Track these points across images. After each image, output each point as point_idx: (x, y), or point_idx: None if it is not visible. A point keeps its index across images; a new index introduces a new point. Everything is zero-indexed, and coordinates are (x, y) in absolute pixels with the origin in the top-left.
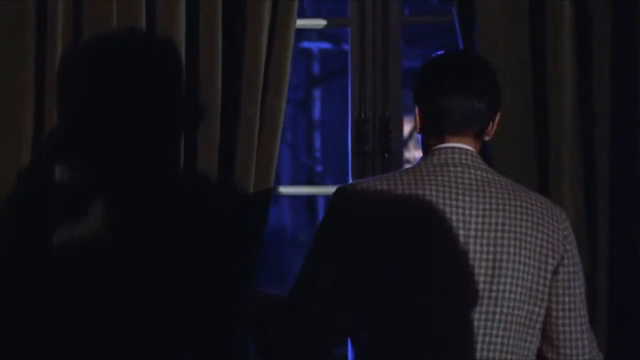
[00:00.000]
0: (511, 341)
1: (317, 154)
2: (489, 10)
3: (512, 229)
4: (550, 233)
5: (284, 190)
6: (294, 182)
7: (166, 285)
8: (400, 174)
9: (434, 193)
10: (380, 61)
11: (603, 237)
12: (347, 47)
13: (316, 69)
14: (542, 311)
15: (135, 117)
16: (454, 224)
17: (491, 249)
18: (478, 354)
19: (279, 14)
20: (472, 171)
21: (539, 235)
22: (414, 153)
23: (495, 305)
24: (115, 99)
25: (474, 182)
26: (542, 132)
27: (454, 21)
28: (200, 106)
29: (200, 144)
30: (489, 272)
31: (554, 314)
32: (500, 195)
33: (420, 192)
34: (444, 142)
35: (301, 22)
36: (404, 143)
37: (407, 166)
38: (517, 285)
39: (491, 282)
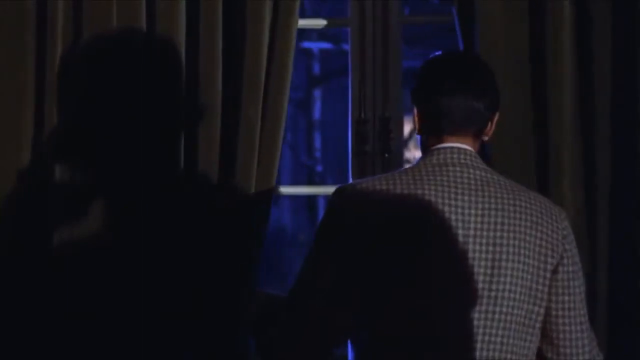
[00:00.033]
0: (511, 340)
1: (317, 154)
2: (489, 10)
3: (512, 228)
4: (550, 232)
5: (284, 190)
6: (294, 182)
7: (166, 285)
8: (399, 174)
9: (433, 193)
10: (380, 61)
11: (603, 237)
12: (347, 47)
13: (316, 69)
14: (542, 310)
15: (135, 117)
16: (453, 223)
17: (490, 248)
18: (478, 354)
19: (280, 14)
20: (471, 171)
21: (538, 234)
22: (414, 153)
23: (495, 305)
24: (115, 99)
25: (473, 182)
26: (542, 132)
27: (454, 21)
28: (200, 106)
29: (200, 144)
30: (488, 271)
31: (554, 313)
32: (499, 195)
33: (420, 191)
34: (443, 142)
35: (301, 22)
36: (404, 143)
37: (407, 166)
38: (516, 284)
39: (490, 282)
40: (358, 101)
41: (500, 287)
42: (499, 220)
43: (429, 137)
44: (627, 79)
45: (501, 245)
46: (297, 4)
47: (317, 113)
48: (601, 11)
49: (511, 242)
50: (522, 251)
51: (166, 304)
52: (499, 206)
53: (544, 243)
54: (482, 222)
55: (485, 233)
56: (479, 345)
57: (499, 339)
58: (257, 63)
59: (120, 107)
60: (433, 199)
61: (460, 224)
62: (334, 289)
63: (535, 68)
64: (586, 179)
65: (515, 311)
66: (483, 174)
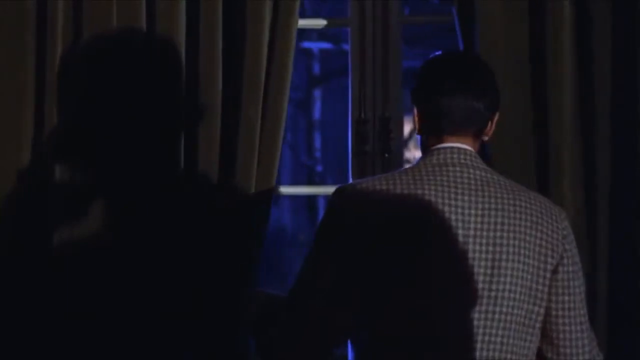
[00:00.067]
0: (511, 340)
1: (318, 154)
2: (489, 10)
3: (511, 228)
4: (550, 232)
5: (285, 190)
6: (294, 182)
7: (166, 285)
8: (399, 174)
9: (432, 193)
10: (380, 61)
11: (603, 237)
12: (347, 47)
13: (316, 69)
14: (542, 310)
15: (135, 117)
16: (453, 223)
17: (490, 248)
18: (477, 354)
19: (280, 14)
20: (471, 171)
21: (538, 234)
22: (414, 153)
23: (495, 305)
24: (115, 99)
25: (472, 182)
26: (542, 132)
27: (454, 21)
28: (200, 106)
29: (200, 144)
30: (488, 271)
31: (554, 313)
32: (499, 195)
33: (419, 191)
34: (443, 142)
35: (302, 22)
36: (404, 143)
37: (407, 166)
38: (516, 284)
39: (490, 282)
40: (358, 101)
41: (500, 287)
42: (499, 220)
43: (429, 137)
44: (627, 79)
45: (501, 245)
46: (297, 4)
47: (317, 113)
48: (601, 11)
49: (511, 242)
50: (522, 251)
51: (166, 304)
52: (499, 206)
53: (544, 243)
54: (482, 222)
55: (485, 233)
56: (479, 345)
57: (499, 339)
58: (257, 63)
59: (120, 107)
60: (433, 199)
61: (460, 224)
62: (334, 289)
63: (535, 68)
64: (586, 179)
65: (515, 311)
66: (483, 174)
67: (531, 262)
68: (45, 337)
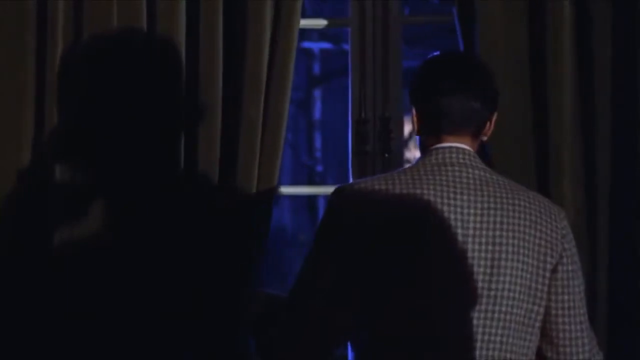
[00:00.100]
0: (510, 340)
1: (318, 154)
2: (489, 10)
3: (511, 227)
4: (549, 232)
5: (285, 190)
6: (294, 182)
7: (166, 285)
8: (398, 174)
9: (431, 192)
10: (380, 61)
11: (603, 237)
12: (347, 47)
13: (317, 69)
14: (541, 310)
15: (135, 117)
16: (452, 223)
17: (489, 247)
18: (477, 353)
19: (282, 14)
20: (470, 170)
21: (538, 233)
22: (414, 153)
23: (494, 304)
24: (116, 98)
25: (471, 182)
26: (542, 132)
27: (454, 21)
28: (200, 106)
29: (200, 144)
30: (488, 270)
31: (554, 312)
32: (498, 194)
33: (419, 191)
34: (441, 141)
35: (302, 22)
36: (404, 143)
37: (407, 166)
38: (515, 283)
39: (490, 281)
40: (358, 101)
41: (500, 286)
42: (498, 219)
43: (428, 137)
44: (627, 79)
45: (500, 244)
46: (300, 4)
47: (317, 113)
48: (601, 11)
49: (510, 241)
50: (521, 250)
51: (166, 304)
52: (498, 205)
53: (543, 242)
54: (481, 222)
55: (484, 232)
56: (478, 345)
57: (498, 338)
58: (258, 63)
59: (121, 107)
60: (432, 198)
61: (459, 224)
62: (333, 289)
63: (535, 68)
64: (586, 179)
65: (515, 310)
66: (482, 173)
67: (530, 261)
68: (45, 337)
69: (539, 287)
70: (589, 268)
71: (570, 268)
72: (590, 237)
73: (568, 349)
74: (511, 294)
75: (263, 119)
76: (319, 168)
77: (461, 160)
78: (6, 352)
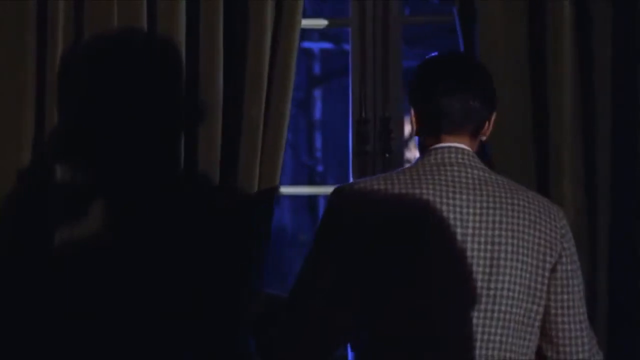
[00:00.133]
0: (510, 339)
1: (318, 154)
2: (489, 10)
3: (510, 227)
4: (548, 231)
5: (285, 190)
6: (294, 182)
7: (166, 285)
8: (397, 174)
9: (430, 192)
10: (380, 61)
11: (603, 237)
12: (347, 47)
13: (317, 69)
14: (541, 309)
15: (135, 117)
16: (452, 222)
17: (489, 247)
18: (477, 352)
19: (283, 14)
20: (469, 170)
21: (537, 233)
22: (414, 153)
23: (494, 304)
24: (116, 99)
25: (470, 181)
26: (542, 132)
27: (455, 21)
28: (200, 106)
29: (200, 144)
30: (487, 270)
31: (553, 312)
32: (497, 194)
33: (417, 191)
34: (441, 141)
35: (303, 22)
36: (404, 143)
37: (407, 166)
38: (515, 283)
39: (489, 280)
40: (359, 101)
41: (499, 285)
42: (497, 219)
43: (427, 137)
44: (627, 79)
45: (499, 244)
46: (301, 4)
47: (317, 113)
48: (601, 11)
49: (509, 240)
50: (520, 250)
51: (166, 304)
52: (497, 205)
53: (542, 242)
54: (480, 221)
55: (483, 232)
56: (478, 344)
57: (498, 338)
58: (259, 63)
59: (121, 107)
60: (431, 198)
61: (458, 223)
62: (334, 289)
63: (535, 68)
64: (586, 179)
65: (514, 310)
66: (481, 173)
67: (529, 260)
68: (45, 337)
69: (538, 286)
70: (589, 268)
71: (569, 267)
72: (590, 237)
73: (568, 349)
74: (510, 294)
75: (264, 119)
76: (319, 168)
77: (460, 160)
78: (6, 352)
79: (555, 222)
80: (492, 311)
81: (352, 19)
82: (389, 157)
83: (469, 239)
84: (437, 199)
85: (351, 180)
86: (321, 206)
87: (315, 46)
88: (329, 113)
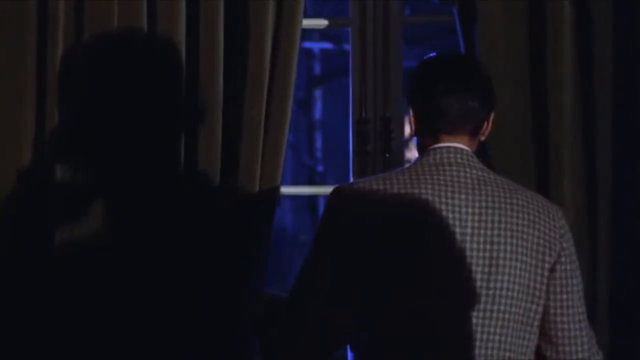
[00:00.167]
0: (509, 339)
1: (318, 154)
2: (489, 10)
3: (508, 226)
4: (547, 231)
5: (286, 190)
6: (295, 182)
7: (166, 285)
8: (396, 174)
9: (429, 192)
10: (381, 61)
11: (603, 237)
12: (348, 47)
13: (317, 69)
14: (540, 309)
15: (135, 117)
16: (450, 222)
17: (488, 246)
18: (476, 352)
19: (284, 14)
20: (468, 170)
21: (536, 232)
22: (415, 153)
23: (493, 303)
24: (116, 99)
25: (469, 181)
26: (542, 132)
27: (455, 21)
28: (200, 106)
29: (200, 144)
30: (486, 269)
31: (552, 311)
32: (496, 194)
33: (416, 191)
34: (439, 142)
35: (303, 22)
36: (405, 143)
37: (406, 166)
38: (514, 282)
39: (488, 280)
40: (359, 101)
41: (498, 285)
42: (496, 218)
43: (426, 137)
44: (627, 79)
45: (498, 243)
46: (302, 4)
47: (318, 113)
48: (601, 11)
49: (508, 240)
50: (519, 249)
51: (166, 304)
52: (496, 205)
53: (541, 241)
54: (479, 221)
55: (482, 231)
56: (477, 344)
57: (497, 337)
58: (260, 63)
59: (121, 107)
60: (430, 197)
61: (457, 222)
62: (333, 289)
63: (535, 68)
64: (586, 179)
65: (513, 309)
66: (480, 173)
67: (528, 260)
68: (45, 337)
69: (538, 286)
70: (589, 268)
71: (568, 267)
72: (591, 237)
73: (567, 348)
74: (509, 293)
75: (266, 119)
76: (320, 168)
77: (459, 160)
78: (6, 352)
79: (554, 221)
80: (492, 311)
81: (352, 19)
82: (390, 157)
83: (468, 238)
84: (436, 199)
85: (351, 180)
86: (321, 206)
87: (316, 46)
88: (329, 113)
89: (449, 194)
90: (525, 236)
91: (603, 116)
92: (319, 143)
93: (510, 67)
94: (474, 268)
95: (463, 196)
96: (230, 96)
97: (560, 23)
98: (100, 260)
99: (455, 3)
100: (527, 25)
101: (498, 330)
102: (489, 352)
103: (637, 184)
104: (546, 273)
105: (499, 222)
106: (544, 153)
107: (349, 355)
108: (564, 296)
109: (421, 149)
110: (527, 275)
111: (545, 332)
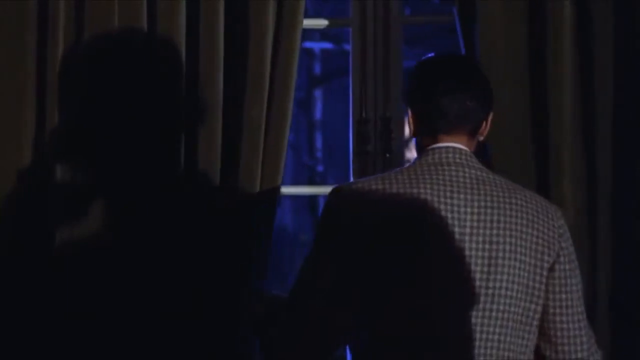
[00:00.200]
0: (508, 338)
1: (319, 154)
2: (489, 10)
3: (507, 226)
4: (546, 231)
5: (286, 190)
6: (295, 182)
7: (166, 285)
8: (395, 174)
9: (428, 192)
10: (381, 61)
11: (604, 237)
12: (348, 47)
13: (317, 68)
14: (539, 308)
15: (135, 117)
16: (449, 222)
17: (487, 246)
18: (476, 351)
19: (285, 14)
20: (467, 170)
21: (534, 232)
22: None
23: (492, 303)
24: (116, 99)
25: (468, 181)
26: (542, 132)
27: (455, 21)
28: (200, 106)
29: (200, 144)
30: (485, 269)
31: (551, 311)
32: (494, 193)
33: (415, 191)
34: (438, 141)
35: (303, 22)
36: (405, 143)
37: (405, 166)
38: (512, 282)
39: (487, 280)
40: (359, 101)
41: (497, 284)
42: (495, 218)
43: (425, 137)
44: (627, 79)
45: (497, 243)
46: (302, 4)
47: (318, 113)
48: (601, 11)
49: (507, 239)
50: (518, 249)
51: (166, 304)
52: (495, 204)
53: (540, 241)
54: (478, 220)
55: (481, 231)
56: (476, 344)
57: (496, 337)
58: (261, 63)
59: (121, 107)
60: (429, 197)
61: (456, 222)
62: (333, 289)
63: (535, 68)
64: (587, 179)
65: (512, 309)
66: (478, 173)
67: (527, 259)
68: (45, 337)
69: (537, 285)
70: (589, 268)
71: (567, 267)
72: (591, 237)
73: (566, 347)
74: (508, 293)
75: (266, 119)
76: (320, 168)
77: (457, 160)
78: (6, 352)
79: (553, 221)
80: (491, 310)
81: (352, 19)
82: (390, 157)
83: (467, 238)
84: (435, 199)
85: (351, 180)
86: (322, 206)
87: (316, 46)
88: (329, 113)
89: (448, 194)
90: (524, 236)
91: (603, 116)
92: (319, 143)
93: (510, 67)
94: (473, 268)
95: (462, 196)
96: (231, 96)
97: (560, 23)
98: (100, 260)
99: (455, 3)
100: (527, 25)
101: (497, 330)
102: (488, 351)
103: (637, 184)
104: (545, 273)
105: (498, 221)
106: (544, 153)
107: (348, 356)
108: (563, 296)
109: (420, 149)
110: (526, 274)
111: (544, 332)
